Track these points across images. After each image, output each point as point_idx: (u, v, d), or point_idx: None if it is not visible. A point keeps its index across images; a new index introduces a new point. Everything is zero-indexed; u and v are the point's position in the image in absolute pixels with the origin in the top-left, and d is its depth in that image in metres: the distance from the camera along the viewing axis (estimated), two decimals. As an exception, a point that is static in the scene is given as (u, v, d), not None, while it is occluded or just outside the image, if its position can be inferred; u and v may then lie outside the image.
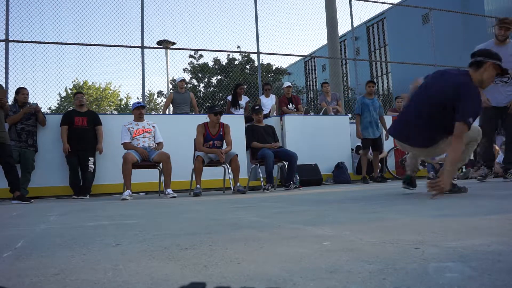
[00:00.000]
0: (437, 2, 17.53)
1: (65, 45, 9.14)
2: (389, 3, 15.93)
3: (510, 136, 6.07)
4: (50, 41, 9.07)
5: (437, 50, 12.98)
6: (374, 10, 42.91)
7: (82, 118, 7.36)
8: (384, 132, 8.80)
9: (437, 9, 14.16)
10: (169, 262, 1.37)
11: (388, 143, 10.09)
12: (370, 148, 8.79)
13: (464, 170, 8.85)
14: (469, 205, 2.87)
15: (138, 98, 11.91)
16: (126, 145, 6.58)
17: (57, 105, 28.33)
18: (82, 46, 9.27)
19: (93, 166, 7.30)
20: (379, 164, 9.65)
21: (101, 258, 1.49)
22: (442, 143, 3.85)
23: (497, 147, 9.06)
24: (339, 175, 9.15)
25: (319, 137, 9.34)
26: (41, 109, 7.62)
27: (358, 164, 9.51)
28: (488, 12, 22.10)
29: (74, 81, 28.97)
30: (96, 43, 9.41)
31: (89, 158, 7.28)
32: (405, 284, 0.97)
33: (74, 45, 9.20)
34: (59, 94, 29.76)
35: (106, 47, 9.55)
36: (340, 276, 1.07)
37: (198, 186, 6.43)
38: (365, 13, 32.09)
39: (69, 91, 29.37)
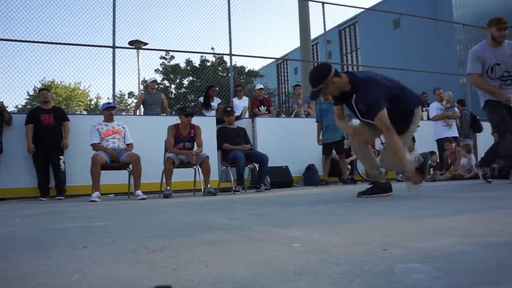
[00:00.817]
0: (408, 8, 17.85)
1: (33, 43, 8.95)
2: (361, 8, 16.15)
3: None
4: (17, 39, 8.87)
5: (407, 54, 13.20)
6: (347, 14, 43.38)
7: (48, 115, 7.21)
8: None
9: (408, 14, 14.40)
10: (136, 265, 1.35)
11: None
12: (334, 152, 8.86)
13: (431, 172, 9.02)
14: (438, 207, 2.92)
15: (108, 98, 11.77)
16: (95, 146, 6.48)
17: (24, 104, 27.70)
18: (51, 44, 9.09)
19: (64, 165, 7.17)
20: (349, 166, 9.76)
21: (66, 261, 1.46)
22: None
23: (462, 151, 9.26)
24: (310, 177, 9.20)
25: (290, 140, 9.38)
26: (7, 108, 7.45)
27: (332, 165, 9.58)
28: (456, 19, 22.59)
29: (42, 80, 28.37)
30: (66, 42, 9.24)
31: (60, 157, 7.14)
32: (372, 285, 0.98)
33: (43, 44, 9.02)
34: (27, 93, 29.13)
35: (76, 46, 9.39)
36: (308, 278, 1.07)
37: (168, 187, 6.38)
38: (337, 16, 32.35)
39: (38, 90, 28.72)
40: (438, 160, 9.56)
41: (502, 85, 5.42)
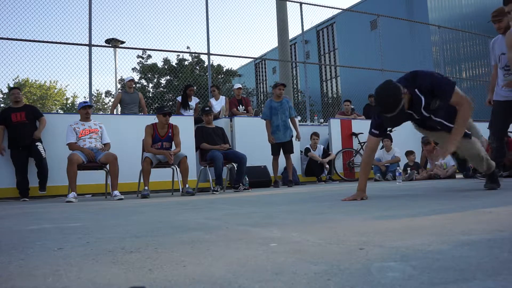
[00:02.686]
0: (385, 9, 18.05)
1: (7, 40, 8.77)
2: (339, 8, 16.26)
3: None
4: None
5: (384, 55, 13.34)
6: (324, 14, 43.66)
7: (20, 113, 7.05)
8: (295, 134, 8.62)
9: (385, 16, 14.56)
10: (112, 266, 1.33)
11: (337, 145, 10.28)
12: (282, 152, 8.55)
13: (409, 172, 9.13)
14: (413, 206, 2.96)
15: (85, 97, 11.62)
16: (71, 146, 6.39)
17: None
18: (25, 42, 8.92)
19: (44, 152, 7.01)
20: (327, 166, 9.82)
21: (41, 263, 1.44)
22: None
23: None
24: (288, 176, 9.22)
25: (269, 139, 9.38)
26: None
27: (307, 166, 9.65)
28: (432, 21, 22.92)
29: (16, 78, 27.85)
30: (41, 40, 9.09)
31: (36, 143, 6.98)
32: (349, 284, 0.98)
33: (17, 41, 8.84)
34: (1, 91, 28.58)
35: (52, 44, 9.24)
36: (285, 278, 1.07)
37: (146, 188, 6.34)
38: (315, 17, 32.51)
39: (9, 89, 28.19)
40: (415, 160, 9.67)
41: (506, 75, 5.33)
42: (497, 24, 5.34)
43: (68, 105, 32.03)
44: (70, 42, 9.23)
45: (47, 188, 7.18)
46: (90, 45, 9.07)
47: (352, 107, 11.99)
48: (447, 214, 2.35)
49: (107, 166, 6.41)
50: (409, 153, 9.55)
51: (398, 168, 8.61)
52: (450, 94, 3.53)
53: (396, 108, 3.42)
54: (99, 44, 9.93)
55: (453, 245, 1.40)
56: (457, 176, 9.15)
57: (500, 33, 5.34)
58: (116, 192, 6.13)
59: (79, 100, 23.34)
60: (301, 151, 9.89)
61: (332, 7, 15.54)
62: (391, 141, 9.57)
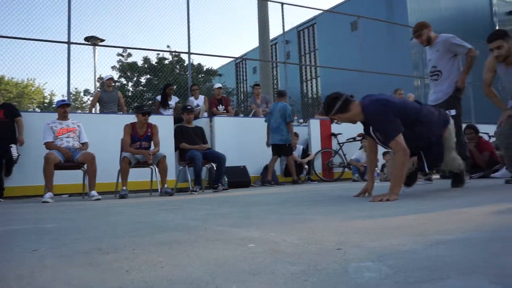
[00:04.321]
0: (365, 11, 18.21)
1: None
2: (320, 9, 16.35)
3: None
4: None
5: (364, 56, 13.45)
6: (306, 15, 43.79)
7: (-3, 111, 6.94)
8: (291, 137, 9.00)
9: (365, 17, 14.68)
10: (89, 267, 1.32)
11: (316, 146, 10.34)
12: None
13: (385, 173, 9.21)
14: (390, 206, 2.99)
15: (63, 96, 11.46)
16: (48, 145, 6.30)
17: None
18: (1, 38, 8.75)
19: (16, 154, 6.87)
20: (306, 166, 9.87)
21: (16, 265, 1.42)
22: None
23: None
24: (267, 177, 9.24)
25: (248, 139, 9.40)
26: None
27: (286, 166, 9.67)
28: (411, 23, 23.03)
29: (-8, 76, 27.37)
30: (18, 36, 8.92)
31: (10, 145, 6.84)
32: (326, 284, 0.99)
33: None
34: (-22, 89, 28.02)
35: (29, 41, 9.08)
36: (263, 278, 1.07)
37: (124, 188, 6.28)
38: (296, 17, 32.69)
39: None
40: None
41: (431, 80, 5.86)
42: (418, 38, 5.85)
43: (45, 104, 31.57)
44: (48, 39, 9.09)
45: (22, 189, 7.10)
46: (68, 42, 8.94)
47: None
48: (423, 214, 2.38)
49: (85, 165, 6.33)
50: (386, 154, 9.64)
51: (376, 168, 8.68)
52: (388, 141, 3.67)
53: (328, 111, 3.86)
54: (78, 41, 9.81)
55: (428, 244, 1.42)
56: (434, 176, 9.26)
57: (424, 45, 5.92)
58: (94, 192, 6.06)
59: (57, 99, 23.06)
60: (281, 151, 9.90)
61: (313, 8, 15.69)
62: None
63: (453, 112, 5.35)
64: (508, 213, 2.31)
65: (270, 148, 9.06)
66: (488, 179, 7.16)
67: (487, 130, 10.12)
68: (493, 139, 9.65)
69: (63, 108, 6.60)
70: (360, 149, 9.88)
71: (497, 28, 29.27)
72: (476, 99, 15.09)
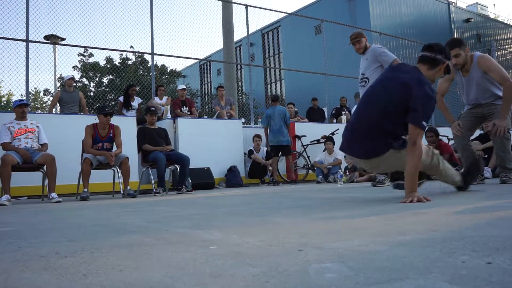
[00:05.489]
0: (329, 15, 18.42)
1: None
2: (284, 12, 16.43)
3: None
4: None
5: (328, 60, 13.59)
6: (270, 18, 43.99)
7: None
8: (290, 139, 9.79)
9: (328, 21, 14.84)
10: (44, 272, 1.28)
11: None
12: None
13: (348, 174, 9.34)
14: (353, 207, 3.03)
15: (21, 95, 11.14)
16: (5, 146, 6.11)
17: None
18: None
19: None
20: (270, 168, 9.90)
21: (-34, 269, 1.36)
22: (390, 157, 3.35)
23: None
24: (232, 178, 9.23)
25: (212, 141, 9.37)
26: None
27: (251, 168, 9.68)
28: (374, 27, 23.59)
29: None
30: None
31: None
32: (287, 286, 0.99)
33: None
34: None
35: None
36: (223, 281, 1.06)
37: (86, 189, 6.16)
38: (261, 20, 32.79)
39: None
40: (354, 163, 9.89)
41: (360, 86, 6.17)
42: (356, 45, 6.14)
43: (2, 103, 30.63)
44: (5, 36, 8.82)
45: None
46: (27, 40, 8.70)
47: (296, 110, 12.17)
48: (384, 215, 2.42)
49: (44, 167, 6.18)
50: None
51: (339, 170, 8.79)
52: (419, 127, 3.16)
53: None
54: (37, 40, 9.56)
55: (389, 245, 1.44)
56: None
57: (359, 53, 6.22)
58: (54, 194, 5.90)
59: (14, 98, 22.41)
60: (245, 153, 9.92)
61: (277, 11, 15.77)
62: (333, 144, 9.76)
63: None
64: (466, 213, 2.37)
65: (267, 149, 9.90)
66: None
67: (446, 133, 10.36)
68: (452, 142, 9.92)
69: (21, 108, 6.41)
70: (323, 151, 9.99)
71: (455, 34, 30.16)
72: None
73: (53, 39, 13.02)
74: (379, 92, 3.42)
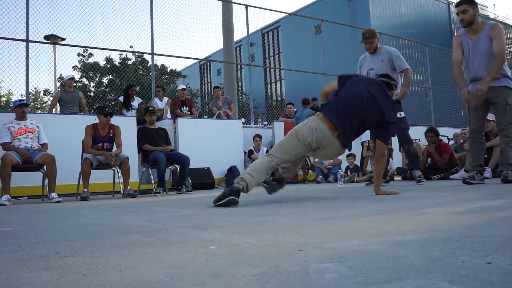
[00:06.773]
0: (329, 15, 18.42)
1: None
2: (284, 12, 16.42)
3: None
4: None
5: (328, 59, 13.60)
6: (270, 18, 44.00)
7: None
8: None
9: (329, 21, 14.84)
10: (44, 271, 1.28)
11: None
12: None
13: (349, 174, 9.34)
14: (353, 207, 3.02)
15: (22, 95, 11.14)
16: (5, 146, 6.11)
17: None
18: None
19: None
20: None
21: (-34, 269, 1.36)
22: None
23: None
24: (232, 178, 9.20)
25: (212, 141, 9.37)
26: None
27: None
28: (373, 27, 23.51)
29: None
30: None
31: None
32: (286, 286, 0.99)
33: None
34: None
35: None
36: (223, 281, 1.06)
37: (86, 190, 6.16)
38: (261, 20, 32.81)
39: None
40: (355, 162, 9.90)
41: None
42: (368, 44, 6.11)
43: (2, 103, 30.63)
44: (5, 36, 8.82)
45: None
46: (27, 40, 8.71)
47: (296, 110, 12.17)
48: (384, 215, 2.42)
49: (44, 167, 6.18)
50: (349, 156, 9.77)
51: (339, 170, 8.79)
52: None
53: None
54: (37, 40, 9.57)
55: (389, 245, 1.43)
56: (396, 178, 9.45)
57: (369, 53, 6.18)
58: (54, 194, 5.91)
59: (14, 98, 22.41)
60: (245, 153, 9.92)
61: (277, 11, 15.75)
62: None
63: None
64: (466, 213, 2.37)
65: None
66: (447, 180, 7.35)
67: (446, 133, 10.38)
68: (452, 142, 9.93)
69: (21, 108, 6.42)
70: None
71: (454, 34, 30.13)
72: (436, 103, 15.49)
73: (53, 39, 13.02)
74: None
